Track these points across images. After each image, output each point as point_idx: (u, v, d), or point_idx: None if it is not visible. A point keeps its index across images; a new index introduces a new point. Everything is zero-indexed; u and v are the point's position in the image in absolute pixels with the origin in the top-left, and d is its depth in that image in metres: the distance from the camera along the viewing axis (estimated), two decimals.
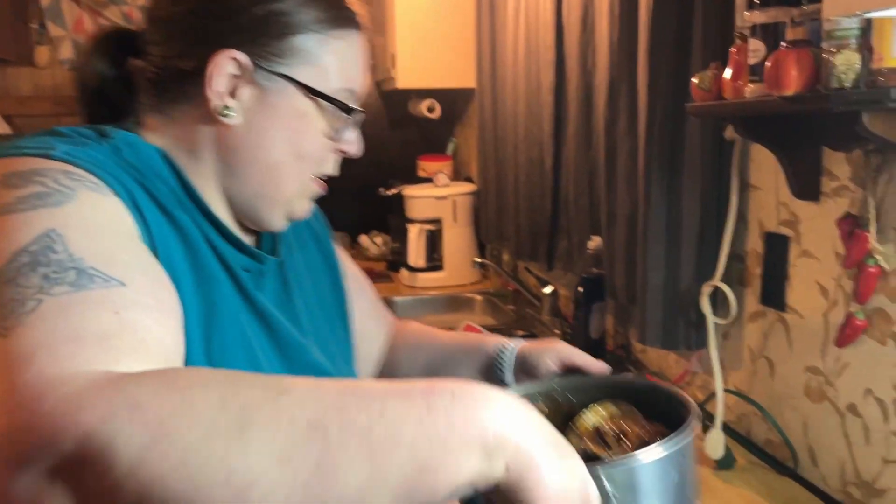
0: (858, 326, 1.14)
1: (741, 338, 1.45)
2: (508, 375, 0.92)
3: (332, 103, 0.74)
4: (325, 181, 0.80)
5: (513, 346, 0.94)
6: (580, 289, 1.85)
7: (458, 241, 2.92)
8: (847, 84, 0.90)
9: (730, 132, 1.36)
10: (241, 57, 0.71)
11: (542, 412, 0.59)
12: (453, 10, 2.87)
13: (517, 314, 2.53)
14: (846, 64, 0.90)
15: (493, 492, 0.48)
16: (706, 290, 1.39)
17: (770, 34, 1.06)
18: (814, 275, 1.25)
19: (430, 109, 3.21)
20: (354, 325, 0.95)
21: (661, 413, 0.74)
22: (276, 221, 0.79)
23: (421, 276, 2.90)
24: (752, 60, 1.08)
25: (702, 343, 1.51)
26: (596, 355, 1.87)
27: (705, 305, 1.39)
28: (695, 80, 1.23)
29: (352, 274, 1.00)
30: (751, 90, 1.08)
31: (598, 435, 0.73)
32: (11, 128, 3.23)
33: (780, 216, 1.33)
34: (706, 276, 1.45)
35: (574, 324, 1.87)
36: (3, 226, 0.56)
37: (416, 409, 0.46)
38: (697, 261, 1.46)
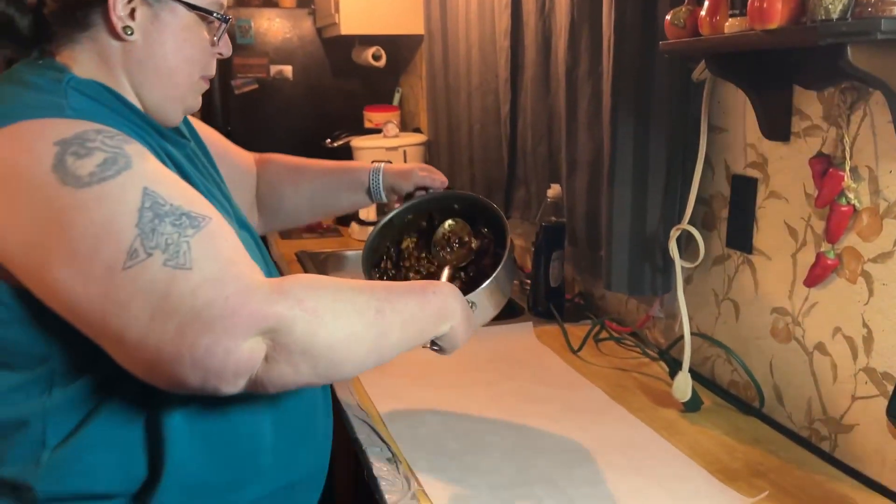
0: (829, 265, 1.14)
1: (706, 282, 1.45)
2: (383, 194, 1.33)
3: (209, 14, 0.92)
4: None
5: (382, 169, 1.32)
6: (539, 237, 1.83)
7: None
8: (834, 15, 0.88)
9: (698, 72, 1.34)
10: None
11: (420, 226, 1.31)
12: None
13: None
14: None
15: (440, 338, 0.95)
16: (674, 233, 1.38)
17: None
18: (782, 216, 1.25)
19: (376, 57, 3.10)
20: (232, 175, 1.18)
21: (489, 218, 1.23)
22: (177, 116, 0.96)
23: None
24: None
25: (667, 287, 1.51)
26: (555, 303, 1.94)
27: (673, 249, 1.38)
28: (668, 16, 1.19)
29: (210, 139, 1.18)
30: (730, 24, 1.05)
31: (447, 242, 1.26)
32: None
33: (747, 158, 1.32)
34: (672, 220, 1.44)
35: (532, 272, 1.85)
36: (108, 192, 0.73)
37: (419, 300, 0.90)
38: (663, 205, 1.45)
